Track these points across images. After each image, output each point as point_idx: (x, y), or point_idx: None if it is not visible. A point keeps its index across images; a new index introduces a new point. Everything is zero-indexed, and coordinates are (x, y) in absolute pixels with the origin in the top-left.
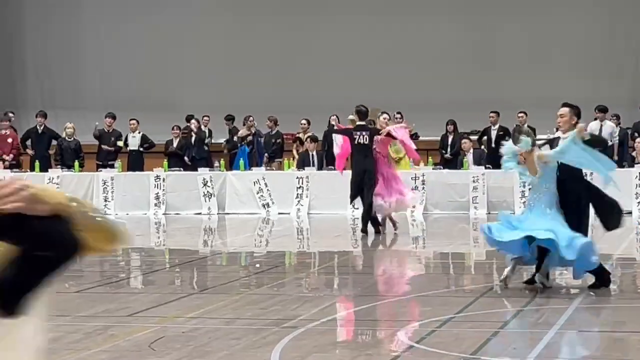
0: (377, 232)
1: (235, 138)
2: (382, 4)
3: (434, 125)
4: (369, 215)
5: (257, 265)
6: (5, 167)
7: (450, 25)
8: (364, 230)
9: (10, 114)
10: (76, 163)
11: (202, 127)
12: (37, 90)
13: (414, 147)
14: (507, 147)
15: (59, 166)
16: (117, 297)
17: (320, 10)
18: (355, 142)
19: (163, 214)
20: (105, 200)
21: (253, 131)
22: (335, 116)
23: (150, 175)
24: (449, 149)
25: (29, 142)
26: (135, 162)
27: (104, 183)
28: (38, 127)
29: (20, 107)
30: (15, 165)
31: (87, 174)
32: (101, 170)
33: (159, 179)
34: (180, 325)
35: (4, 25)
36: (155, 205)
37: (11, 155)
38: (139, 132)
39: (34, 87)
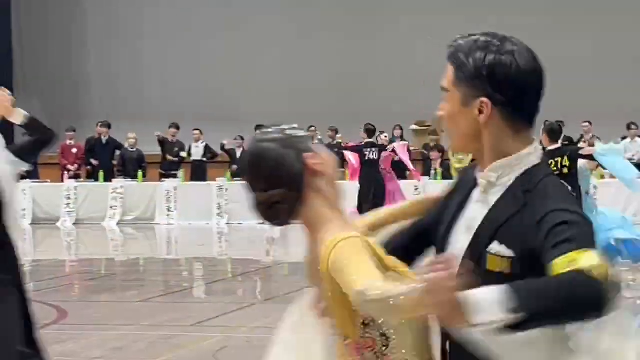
0: None
1: None
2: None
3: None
4: None
5: None
6: (69, 177)
7: (522, 34)
8: None
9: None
10: (139, 173)
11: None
12: (101, 100)
13: (410, 165)
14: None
15: (121, 176)
16: (181, 307)
17: (385, 17)
18: (366, 158)
19: (225, 223)
20: (169, 210)
21: (316, 142)
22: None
23: (212, 185)
24: None
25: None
26: (198, 172)
27: (167, 193)
28: (102, 138)
29: (85, 118)
30: (79, 175)
31: (150, 184)
32: (164, 180)
33: (222, 189)
34: (244, 335)
35: (69, 38)
36: (218, 215)
37: (75, 166)
38: (202, 142)
39: (98, 97)
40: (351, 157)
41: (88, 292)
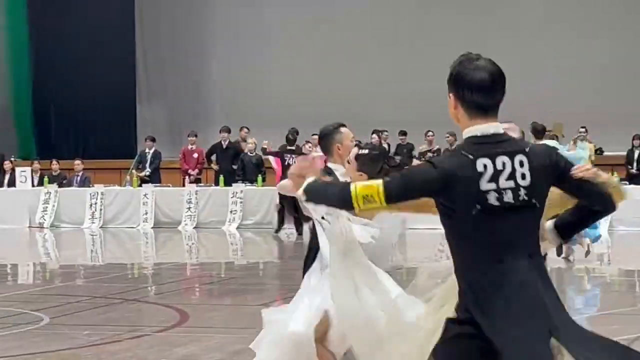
0: None
1: (414, 152)
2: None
3: (619, 140)
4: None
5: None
6: (190, 182)
7: (602, 42)
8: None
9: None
10: (259, 178)
11: (382, 142)
12: (222, 106)
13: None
14: None
15: (241, 181)
16: None
17: (487, 24)
18: (286, 163)
19: None
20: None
21: (435, 147)
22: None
23: None
24: (635, 164)
25: (213, 157)
26: None
27: None
28: (222, 142)
29: (206, 123)
30: (199, 180)
31: (269, 189)
32: None
33: None
34: None
35: (191, 44)
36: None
37: (196, 170)
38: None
39: (220, 103)
40: (273, 162)
41: (209, 295)
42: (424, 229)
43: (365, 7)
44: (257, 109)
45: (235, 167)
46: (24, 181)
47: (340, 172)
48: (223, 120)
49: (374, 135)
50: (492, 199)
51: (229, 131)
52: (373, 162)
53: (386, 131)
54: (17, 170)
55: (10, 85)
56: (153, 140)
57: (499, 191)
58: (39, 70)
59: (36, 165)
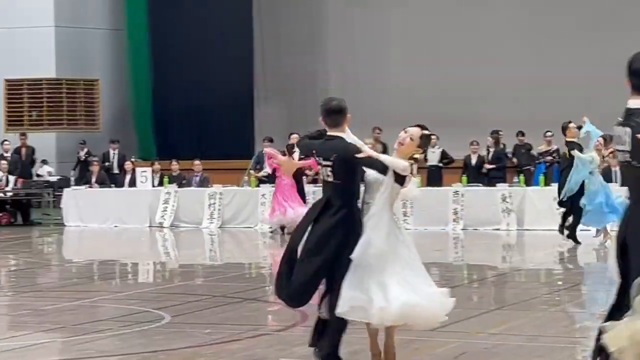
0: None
1: (535, 153)
2: None
3: None
4: None
5: (560, 283)
6: (308, 182)
7: None
8: None
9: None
10: None
11: (499, 142)
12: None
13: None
14: None
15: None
16: None
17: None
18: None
19: (461, 229)
20: (405, 215)
21: (554, 147)
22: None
23: (449, 190)
24: None
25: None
26: (434, 177)
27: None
28: None
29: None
30: (316, 180)
31: None
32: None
33: (458, 194)
34: (483, 341)
35: (310, 44)
36: (454, 220)
37: (313, 171)
38: (439, 148)
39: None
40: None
41: None
42: (541, 230)
43: (484, 5)
44: (374, 109)
45: None
46: (144, 181)
47: None
48: None
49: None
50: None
51: None
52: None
53: (501, 131)
54: (138, 170)
55: (131, 87)
56: (271, 140)
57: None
58: (158, 72)
59: (156, 165)
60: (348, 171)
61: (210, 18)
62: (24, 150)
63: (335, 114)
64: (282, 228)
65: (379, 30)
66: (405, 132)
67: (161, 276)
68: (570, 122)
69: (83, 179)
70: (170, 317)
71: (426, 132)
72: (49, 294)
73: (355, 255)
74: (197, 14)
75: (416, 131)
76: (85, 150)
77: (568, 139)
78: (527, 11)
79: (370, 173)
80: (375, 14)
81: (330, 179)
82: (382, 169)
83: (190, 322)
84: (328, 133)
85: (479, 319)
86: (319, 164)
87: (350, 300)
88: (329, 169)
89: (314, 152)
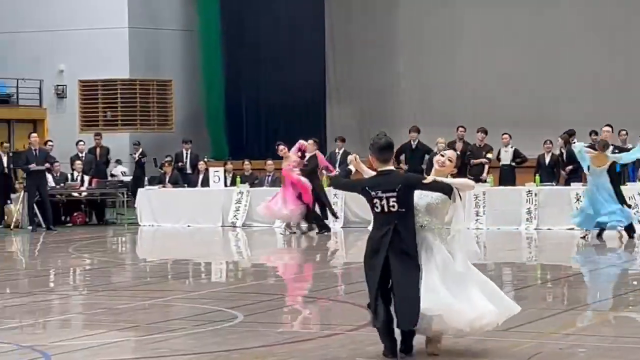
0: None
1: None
2: None
3: None
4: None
5: (635, 283)
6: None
7: None
8: None
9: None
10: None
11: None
12: (410, 105)
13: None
14: None
15: None
16: None
17: None
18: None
19: (534, 229)
20: (477, 215)
21: (629, 146)
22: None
23: (522, 190)
24: None
25: (402, 157)
26: (507, 177)
27: (476, 197)
28: (412, 142)
29: (395, 123)
30: None
31: None
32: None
33: (531, 193)
34: (557, 342)
35: (381, 44)
36: (527, 220)
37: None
38: (512, 147)
39: (408, 102)
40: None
41: None
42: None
43: (556, 3)
44: (445, 109)
45: (424, 167)
46: (217, 181)
47: None
48: (411, 120)
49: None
50: None
51: (418, 131)
52: None
53: (570, 131)
54: (211, 170)
55: (203, 87)
56: (343, 140)
57: None
58: (230, 72)
59: (229, 165)
60: (410, 199)
61: (282, 18)
62: (98, 150)
63: (386, 150)
64: (288, 225)
65: (449, 30)
66: (443, 155)
67: (234, 275)
68: None
69: (138, 180)
70: (243, 316)
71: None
72: (123, 293)
73: (463, 266)
74: (269, 14)
75: (452, 153)
76: (140, 150)
77: None
78: (601, 8)
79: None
80: (446, 15)
81: (395, 209)
82: (449, 190)
83: (263, 322)
84: (379, 169)
85: (552, 319)
86: (376, 197)
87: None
88: (393, 199)
89: (366, 188)
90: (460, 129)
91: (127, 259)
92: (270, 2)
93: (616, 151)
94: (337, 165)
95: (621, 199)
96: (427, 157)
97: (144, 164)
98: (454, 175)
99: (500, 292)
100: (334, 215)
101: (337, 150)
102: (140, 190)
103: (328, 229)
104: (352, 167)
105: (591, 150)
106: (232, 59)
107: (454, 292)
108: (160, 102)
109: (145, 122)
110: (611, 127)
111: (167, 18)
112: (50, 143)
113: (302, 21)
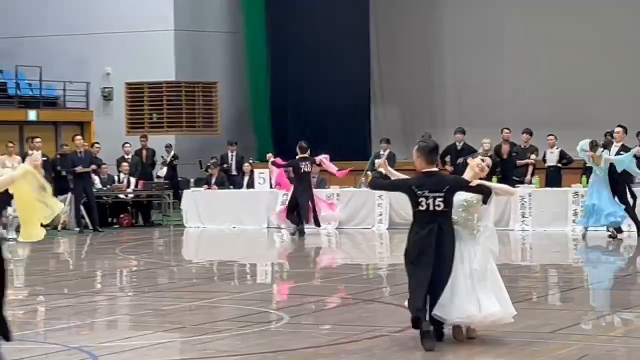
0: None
1: None
2: None
3: None
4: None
5: None
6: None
7: None
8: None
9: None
10: (493, 179)
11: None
12: (455, 106)
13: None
14: None
15: None
16: (537, 314)
17: None
18: (302, 170)
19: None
20: (523, 217)
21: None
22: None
23: (568, 191)
24: None
25: (447, 159)
26: (553, 178)
27: (522, 199)
28: (457, 144)
29: (439, 124)
30: None
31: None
32: (518, 186)
33: (577, 195)
34: (604, 344)
35: (426, 44)
36: (573, 222)
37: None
38: (557, 148)
39: (453, 103)
40: (275, 174)
41: None
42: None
43: (598, 3)
44: (490, 110)
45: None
46: (262, 183)
47: None
48: (457, 122)
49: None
50: None
51: (463, 132)
52: None
53: (610, 132)
54: (256, 172)
55: (249, 89)
56: (388, 142)
57: None
58: (275, 74)
59: None
60: (452, 199)
61: (327, 20)
62: (144, 152)
63: (434, 152)
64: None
65: (494, 30)
66: (483, 161)
67: (279, 277)
68: None
69: (172, 182)
70: (289, 318)
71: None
72: (169, 295)
73: (481, 265)
74: (313, 15)
75: (490, 161)
76: (172, 153)
77: None
78: None
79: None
80: (490, 14)
81: (440, 208)
82: (489, 193)
83: (309, 323)
84: (425, 169)
85: (600, 321)
86: (423, 196)
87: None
88: (440, 199)
89: (412, 187)
90: (506, 130)
91: (173, 261)
92: (315, 3)
93: (622, 152)
94: None
95: (623, 198)
96: (461, 159)
97: (176, 166)
98: (482, 179)
99: (506, 294)
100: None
101: (381, 152)
102: (185, 192)
103: (302, 233)
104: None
105: (588, 151)
106: (278, 61)
107: (471, 287)
108: (206, 104)
109: (191, 124)
110: (623, 127)
111: (212, 20)
112: (97, 145)
113: (346, 22)
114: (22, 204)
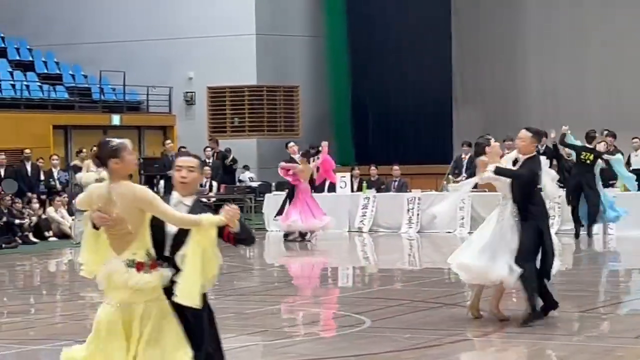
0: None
1: None
2: None
3: None
4: None
5: None
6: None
7: None
8: None
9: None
10: None
11: None
12: (537, 109)
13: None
14: None
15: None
16: (622, 319)
17: None
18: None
19: None
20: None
21: None
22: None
23: None
24: None
25: None
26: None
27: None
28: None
29: (522, 126)
30: None
31: None
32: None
33: None
34: None
35: (508, 47)
36: None
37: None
38: None
39: (535, 106)
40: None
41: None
42: None
43: None
44: (572, 110)
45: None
46: (343, 186)
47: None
48: (538, 125)
49: None
50: None
51: (546, 135)
52: None
53: None
54: (337, 175)
55: (330, 93)
56: (469, 145)
57: None
58: (357, 78)
59: (355, 170)
60: None
61: (409, 23)
62: (214, 155)
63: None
64: (303, 235)
65: (577, 30)
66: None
67: (361, 281)
68: None
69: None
70: (371, 322)
71: None
72: (251, 298)
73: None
74: (395, 19)
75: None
76: (231, 157)
77: None
78: None
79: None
80: (575, 14)
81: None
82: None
83: (390, 327)
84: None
85: None
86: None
87: None
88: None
89: None
90: (607, 131)
91: (256, 264)
92: (397, 6)
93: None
94: (463, 170)
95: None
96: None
97: (235, 170)
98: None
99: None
100: None
101: (463, 156)
102: (267, 195)
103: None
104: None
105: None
106: (359, 64)
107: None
108: (287, 108)
109: (272, 128)
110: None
111: (294, 25)
112: (182, 149)
113: (428, 24)
114: (196, 255)
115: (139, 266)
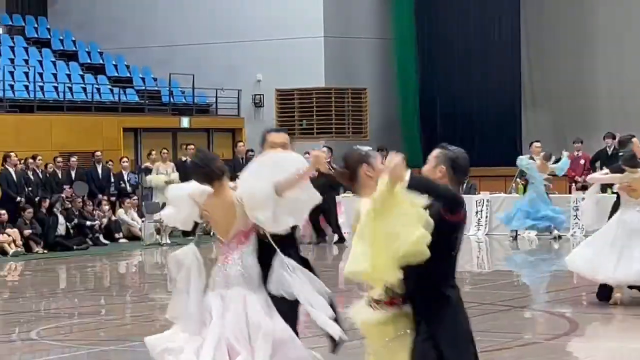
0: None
1: None
2: None
3: None
4: None
5: None
6: (577, 189)
7: None
8: None
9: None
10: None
11: None
12: (607, 110)
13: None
14: None
15: None
16: None
17: None
18: None
19: None
20: None
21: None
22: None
23: None
24: None
25: (597, 164)
26: None
27: None
28: (607, 149)
29: (592, 128)
30: (586, 187)
31: None
32: None
33: None
34: None
35: (578, 48)
36: None
37: (582, 177)
38: None
39: (605, 107)
40: None
41: (598, 305)
42: None
43: None
44: None
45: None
46: None
47: None
48: (608, 126)
49: None
50: None
51: (614, 137)
52: None
53: None
54: None
55: (398, 95)
56: (613, 137)
57: None
58: (425, 80)
59: None
60: None
61: (477, 24)
62: None
63: None
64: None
65: None
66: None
67: None
68: None
69: None
70: None
71: None
72: None
73: None
74: (463, 21)
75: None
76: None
77: None
78: None
79: None
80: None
81: None
82: None
83: None
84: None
85: None
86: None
87: None
88: None
89: None
90: (608, 137)
91: (320, 266)
92: (465, 8)
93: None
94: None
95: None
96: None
97: None
98: None
99: None
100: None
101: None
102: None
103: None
104: None
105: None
106: (427, 67)
107: None
108: (355, 110)
109: (340, 130)
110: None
111: (362, 27)
112: (250, 152)
113: (496, 26)
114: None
115: None
